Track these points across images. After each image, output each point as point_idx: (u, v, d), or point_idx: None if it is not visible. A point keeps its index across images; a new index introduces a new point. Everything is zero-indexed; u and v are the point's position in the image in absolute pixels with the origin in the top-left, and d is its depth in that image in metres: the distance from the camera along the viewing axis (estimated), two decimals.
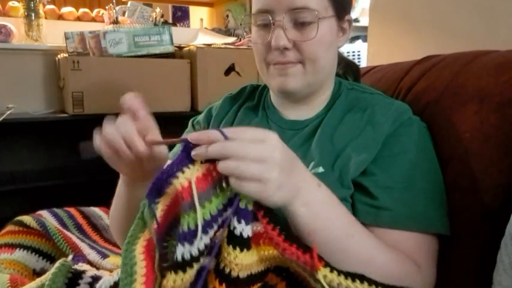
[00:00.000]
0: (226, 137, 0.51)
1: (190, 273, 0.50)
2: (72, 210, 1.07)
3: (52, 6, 2.20)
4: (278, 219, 0.54)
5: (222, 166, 0.50)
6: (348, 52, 2.43)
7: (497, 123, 0.69)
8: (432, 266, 0.67)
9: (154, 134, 0.60)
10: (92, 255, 0.88)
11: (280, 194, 0.52)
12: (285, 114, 0.82)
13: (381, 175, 0.68)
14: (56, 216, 1.01)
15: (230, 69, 1.98)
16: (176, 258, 0.49)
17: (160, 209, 0.53)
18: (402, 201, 0.67)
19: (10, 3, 2.08)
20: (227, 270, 0.52)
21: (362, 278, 0.54)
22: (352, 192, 0.69)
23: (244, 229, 0.52)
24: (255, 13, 0.74)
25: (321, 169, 0.69)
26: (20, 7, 1.98)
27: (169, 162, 0.53)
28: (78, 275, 0.71)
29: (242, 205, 0.52)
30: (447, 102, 0.78)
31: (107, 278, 0.70)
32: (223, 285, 0.52)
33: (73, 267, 0.74)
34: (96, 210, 1.10)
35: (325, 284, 0.51)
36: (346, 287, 0.53)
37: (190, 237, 0.49)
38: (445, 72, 0.83)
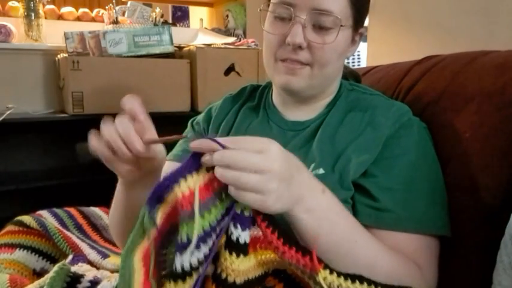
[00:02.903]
0: (223, 147, 0.50)
1: (190, 282, 0.50)
2: (72, 210, 1.07)
3: (52, 6, 2.20)
4: (277, 223, 0.54)
5: (222, 175, 0.50)
6: None
7: (497, 123, 0.69)
8: (433, 267, 0.67)
9: (152, 133, 0.60)
10: (92, 255, 0.88)
11: (279, 204, 0.52)
12: (285, 115, 0.82)
13: (382, 177, 0.68)
14: (56, 216, 1.01)
15: (230, 69, 1.98)
16: (175, 268, 0.49)
17: (159, 216, 0.52)
18: (403, 203, 0.67)
19: (10, 3, 2.08)
20: (224, 275, 0.52)
21: (361, 279, 0.54)
22: (353, 194, 0.69)
23: (241, 235, 0.52)
24: (276, 2, 0.71)
25: (321, 170, 0.69)
26: (20, 7, 1.97)
27: (173, 168, 0.52)
28: (77, 279, 0.70)
29: (238, 210, 0.52)
30: (447, 103, 0.78)
31: (105, 284, 0.70)
32: None
33: (73, 267, 0.74)
34: (96, 210, 1.10)
35: (325, 286, 0.51)
36: None
37: (189, 247, 0.49)
38: (445, 73, 0.83)
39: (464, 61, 0.82)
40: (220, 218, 0.52)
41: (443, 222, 0.69)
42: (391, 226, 0.66)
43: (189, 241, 0.49)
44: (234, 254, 0.52)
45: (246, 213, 0.52)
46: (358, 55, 2.60)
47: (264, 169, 0.50)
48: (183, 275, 0.49)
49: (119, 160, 0.60)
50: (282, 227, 0.54)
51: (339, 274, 0.53)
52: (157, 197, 0.51)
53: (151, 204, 0.52)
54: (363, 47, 2.38)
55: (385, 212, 0.66)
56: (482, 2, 1.18)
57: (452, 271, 0.69)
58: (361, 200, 0.68)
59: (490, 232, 0.65)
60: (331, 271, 0.53)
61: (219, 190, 0.52)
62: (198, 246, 0.49)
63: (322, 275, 0.52)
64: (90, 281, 0.70)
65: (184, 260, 0.48)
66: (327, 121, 0.76)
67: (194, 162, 0.51)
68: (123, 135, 0.57)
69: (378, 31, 1.57)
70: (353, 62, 2.66)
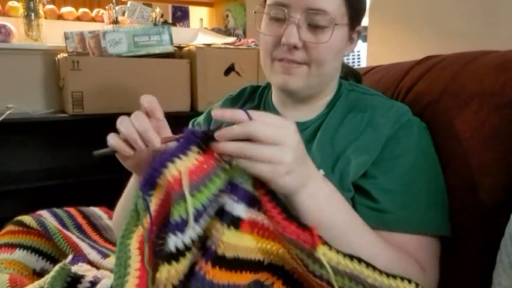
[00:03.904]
0: (250, 118, 0.51)
1: (184, 263, 0.50)
2: (72, 210, 1.07)
3: (52, 6, 2.20)
4: (280, 199, 0.54)
5: (237, 146, 0.51)
6: None
7: (497, 123, 0.69)
8: (435, 268, 0.67)
9: (167, 131, 0.61)
10: (92, 254, 0.88)
11: (288, 179, 0.53)
12: (285, 116, 0.81)
13: (382, 178, 0.68)
14: (55, 216, 1.01)
15: (230, 69, 1.98)
16: (169, 248, 0.49)
17: (154, 202, 0.53)
18: (403, 204, 0.67)
19: (10, 3, 2.08)
20: (213, 247, 0.52)
21: (360, 260, 0.54)
22: (353, 195, 0.69)
23: (236, 207, 0.52)
24: (271, 4, 0.72)
25: (321, 172, 0.69)
26: (20, 7, 1.98)
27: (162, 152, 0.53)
28: (77, 279, 0.70)
29: (238, 181, 0.53)
30: (447, 103, 0.78)
31: (105, 282, 0.70)
32: (209, 263, 0.52)
33: (73, 268, 0.73)
34: (96, 210, 1.10)
35: (325, 262, 0.51)
36: (344, 266, 0.53)
37: (182, 226, 0.49)
38: (445, 73, 0.83)
39: (464, 61, 0.82)
40: (213, 198, 0.53)
41: (443, 223, 0.70)
42: (391, 227, 0.66)
43: (182, 220, 0.49)
44: (225, 225, 0.52)
45: (246, 186, 0.53)
46: (358, 55, 2.60)
47: (282, 141, 0.51)
48: (177, 255, 0.49)
49: (134, 156, 0.59)
50: (284, 206, 0.54)
51: (338, 251, 0.53)
52: (150, 181, 0.52)
53: (144, 190, 0.52)
54: (363, 47, 2.39)
55: (385, 213, 0.66)
56: (483, 2, 1.19)
57: (453, 271, 0.69)
58: (361, 201, 0.68)
59: (490, 232, 0.65)
60: (330, 248, 0.53)
61: (209, 171, 0.53)
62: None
63: (322, 250, 0.51)
64: (91, 282, 0.70)
65: (178, 240, 0.49)
66: (326, 122, 0.76)
67: (182, 146, 0.52)
68: (140, 131, 0.57)
69: (378, 31, 1.57)
70: (353, 62, 2.67)
